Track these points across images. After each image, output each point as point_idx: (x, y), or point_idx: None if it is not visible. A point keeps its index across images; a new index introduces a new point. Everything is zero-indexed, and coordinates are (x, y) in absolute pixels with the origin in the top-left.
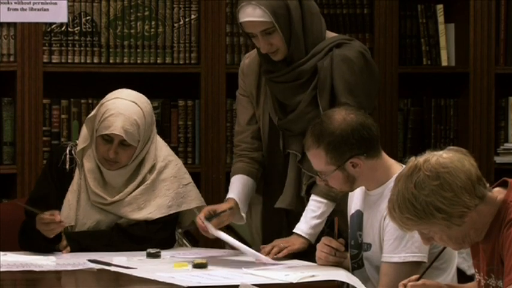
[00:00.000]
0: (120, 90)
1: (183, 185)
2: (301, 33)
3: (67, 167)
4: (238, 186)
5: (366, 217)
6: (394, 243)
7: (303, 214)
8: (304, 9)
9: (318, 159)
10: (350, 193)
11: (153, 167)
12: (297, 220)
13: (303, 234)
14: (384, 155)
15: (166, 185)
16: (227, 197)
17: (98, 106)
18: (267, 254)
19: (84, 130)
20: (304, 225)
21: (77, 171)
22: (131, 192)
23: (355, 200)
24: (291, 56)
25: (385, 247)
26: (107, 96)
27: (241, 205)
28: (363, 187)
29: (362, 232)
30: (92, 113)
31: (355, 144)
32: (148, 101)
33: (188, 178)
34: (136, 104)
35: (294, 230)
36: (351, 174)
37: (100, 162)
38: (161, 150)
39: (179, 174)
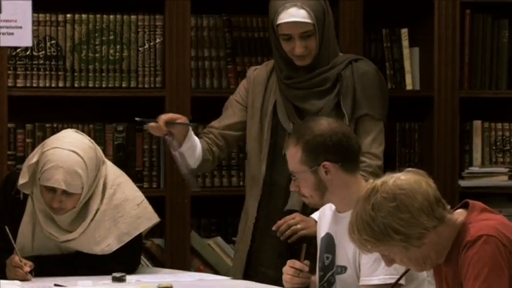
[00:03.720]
0: (61, 135)
1: (137, 205)
2: (329, 40)
3: (21, 196)
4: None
5: (337, 240)
6: (373, 266)
7: None
8: (331, 17)
9: (294, 157)
10: (320, 216)
11: (102, 197)
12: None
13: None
14: (360, 177)
15: (119, 211)
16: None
17: (39, 152)
18: (282, 233)
19: (24, 170)
20: None
21: (29, 201)
22: (83, 231)
23: (325, 223)
24: (317, 61)
25: (363, 270)
26: (48, 142)
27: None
28: (333, 208)
29: (330, 254)
30: (33, 159)
31: (331, 148)
32: (91, 144)
33: (140, 196)
34: (76, 153)
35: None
36: (323, 180)
37: (47, 207)
38: (109, 176)
39: (130, 195)
